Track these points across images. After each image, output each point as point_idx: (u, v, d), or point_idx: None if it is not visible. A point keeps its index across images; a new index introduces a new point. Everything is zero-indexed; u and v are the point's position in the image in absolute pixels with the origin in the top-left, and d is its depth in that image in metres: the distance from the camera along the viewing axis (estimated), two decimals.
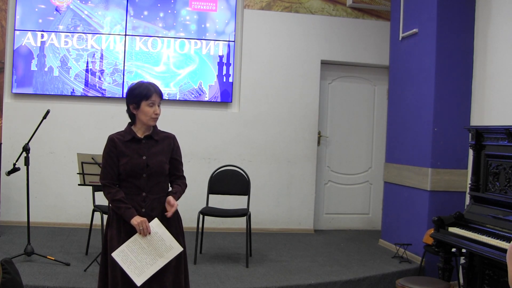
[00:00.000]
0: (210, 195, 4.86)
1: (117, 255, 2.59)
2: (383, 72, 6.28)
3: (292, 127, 6.04)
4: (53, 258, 4.09)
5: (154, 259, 2.61)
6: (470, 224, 3.59)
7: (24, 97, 5.59)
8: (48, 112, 4.20)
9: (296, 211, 6.03)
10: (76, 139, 5.60)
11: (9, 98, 5.58)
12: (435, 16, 4.49)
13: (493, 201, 3.51)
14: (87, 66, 5.65)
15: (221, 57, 5.88)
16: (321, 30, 6.08)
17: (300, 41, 6.05)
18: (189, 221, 4.10)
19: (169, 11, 5.79)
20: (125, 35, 5.71)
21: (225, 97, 5.90)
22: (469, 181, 3.83)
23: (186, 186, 2.87)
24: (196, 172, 5.57)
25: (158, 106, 2.74)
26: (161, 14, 5.78)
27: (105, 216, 3.68)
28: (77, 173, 4.12)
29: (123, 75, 5.70)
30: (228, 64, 5.89)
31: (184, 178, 2.87)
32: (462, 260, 3.82)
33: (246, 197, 4.78)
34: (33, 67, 5.55)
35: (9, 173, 4.09)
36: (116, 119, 5.52)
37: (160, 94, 2.76)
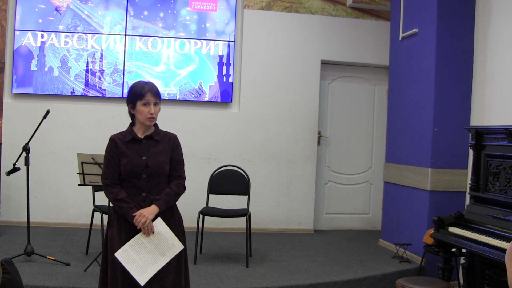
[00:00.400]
0: (210, 195, 4.86)
1: (120, 255, 2.58)
2: (383, 72, 6.28)
3: (292, 127, 6.04)
4: (53, 258, 4.09)
5: (156, 257, 2.61)
6: (470, 224, 3.59)
7: (24, 97, 5.59)
8: (48, 112, 4.20)
9: (296, 211, 6.03)
10: (76, 139, 5.60)
11: (9, 98, 5.58)
12: (435, 16, 4.49)
13: (493, 201, 3.51)
14: (87, 66, 5.65)
15: (221, 57, 5.88)
16: (321, 30, 6.09)
17: (300, 41, 6.05)
18: (189, 221, 4.09)
19: (169, 11, 5.79)
20: (125, 35, 5.71)
21: (225, 97, 5.90)
22: (469, 181, 3.83)
23: (181, 187, 2.76)
24: (196, 172, 5.57)
25: (155, 105, 2.69)
26: (161, 14, 5.78)
27: (105, 216, 3.69)
28: (77, 173, 4.12)
29: (123, 75, 5.70)
30: (228, 64, 5.89)
31: (182, 178, 2.78)
32: (462, 260, 3.82)
33: (246, 197, 4.78)
34: (33, 67, 5.55)
35: (9, 173, 4.09)
36: (116, 119, 5.52)
37: (155, 93, 2.70)
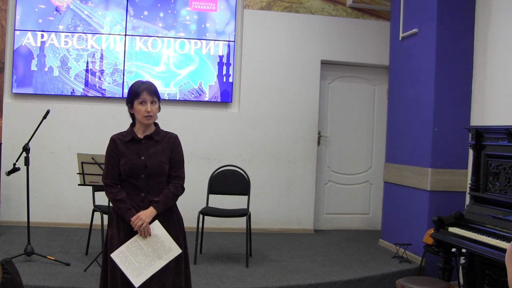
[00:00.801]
0: (210, 195, 4.86)
1: (116, 256, 2.59)
2: (383, 72, 6.28)
3: (292, 127, 6.04)
4: (53, 258, 4.09)
5: (152, 260, 2.61)
6: (470, 224, 3.59)
7: (24, 97, 5.59)
8: (48, 112, 4.20)
9: (296, 211, 6.03)
10: (76, 139, 5.60)
11: (9, 98, 5.58)
12: (435, 16, 4.49)
13: (493, 201, 3.51)
14: (87, 66, 5.65)
15: (221, 57, 5.88)
16: (321, 30, 6.08)
17: (300, 41, 6.05)
18: (189, 221, 4.09)
19: (169, 11, 5.79)
20: (125, 35, 5.71)
21: (225, 97, 5.90)
22: (469, 181, 3.83)
23: (179, 188, 2.73)
24: (196, 172, 5.57)
25: (152, 104, 2.68)
26: (161, 14, 5.78)
27: (105, 216, 3.69)
28: (77, 173, 4.11)
29: (123, 75, 5.70)
30: (228, 64, 5.89)
31: (180, 178, 2.75)
32: (462, 260, 3.82)
33: (246, 197, 4.78)
34: (33, 67, 5.55)
35: (9, 173, 4.09)
36: (116, 119, 5.53)
37: (151, 92, 2.69)
